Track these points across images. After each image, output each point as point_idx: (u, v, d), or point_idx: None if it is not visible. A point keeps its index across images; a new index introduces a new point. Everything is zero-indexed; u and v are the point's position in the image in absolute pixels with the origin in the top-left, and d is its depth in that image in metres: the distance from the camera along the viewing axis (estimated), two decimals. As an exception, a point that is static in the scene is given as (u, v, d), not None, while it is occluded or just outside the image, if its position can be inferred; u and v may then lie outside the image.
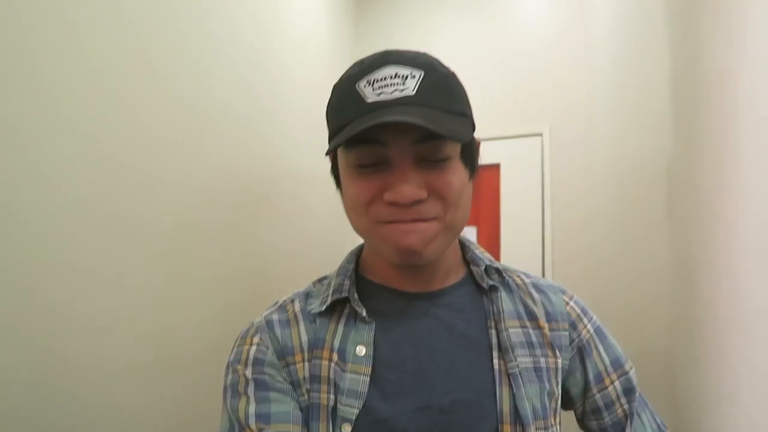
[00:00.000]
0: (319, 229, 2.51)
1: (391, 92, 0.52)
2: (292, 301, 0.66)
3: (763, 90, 0.76)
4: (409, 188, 0.53)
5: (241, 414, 0.57)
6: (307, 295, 0.67)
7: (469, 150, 0.60)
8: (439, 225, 0.56)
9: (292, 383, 0.59)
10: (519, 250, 2.72)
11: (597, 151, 2.29)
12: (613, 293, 1.85)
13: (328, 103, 0.61)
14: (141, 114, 1.37)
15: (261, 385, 0.58)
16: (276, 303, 0.68)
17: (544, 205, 2.71)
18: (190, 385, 1.49)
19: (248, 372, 0.59)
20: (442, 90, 0.55)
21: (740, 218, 0.79)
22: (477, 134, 0.62)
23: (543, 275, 2.65)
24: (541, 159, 2.73)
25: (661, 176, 1.24)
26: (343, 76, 0.59)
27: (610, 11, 2.00)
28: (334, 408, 0.56)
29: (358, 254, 0.70)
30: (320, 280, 0.70)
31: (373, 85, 0.53)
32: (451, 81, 0.57)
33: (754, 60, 0.77)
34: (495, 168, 2.81)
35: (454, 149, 0.56)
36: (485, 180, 2.81)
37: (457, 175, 0.56)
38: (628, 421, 0.66)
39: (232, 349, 0.63)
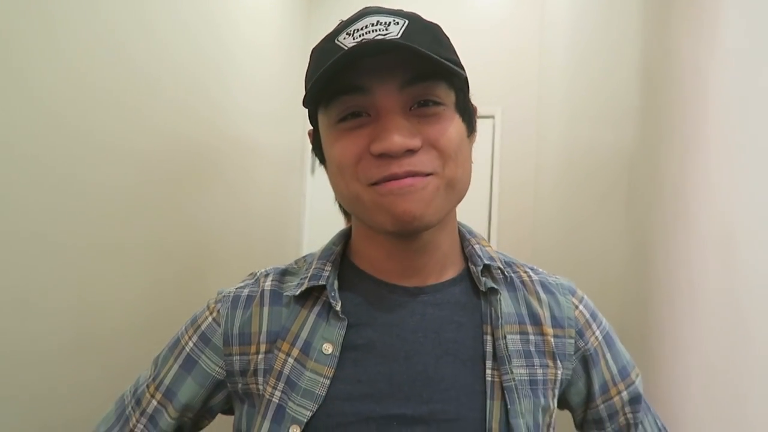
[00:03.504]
0: (266, 204, 2.41)
1: (373, 37, 0.47)
2: (267, 275, 0.60)
3: (733, 89, 0.77)
4: (399, 135, 0.46)
5: (162, 372, 0.58)
6: (284, 273, 0.60)
7: (465, 103, 0.55)
8: (438, 181, 0.49)
9: (231, 373, 0.55)
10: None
11: (548, 134, 2.34)
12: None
13: (307, 69, 0.55)
14: (81, 70, 1.22)
15: (188, 364, 0.57)
16: (252, 274, 0.62)
17: (492, 187, 2.75)
18: (116, 368, 1.35)
19: (191, 342, 0.58)
20: (429, 37, 0.50)
21: (703, 213, 0.79)
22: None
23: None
24: (492, 141, 2.76)
25: (611, 162, 1.26)
26: (322, 38, 0.53)
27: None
28: (281, 406, 0.51)
29: (347, 234, 0.62)
30: (304, 258, 0.62)
31: (353, 35, 0.48)
32: (438, 30, 0.52)
33: (724, 58, 0.78)
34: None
35: (447, 97, 0.51)
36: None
37: (454, 125, 0.50)
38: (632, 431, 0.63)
39: (205, 304, 0.60)
